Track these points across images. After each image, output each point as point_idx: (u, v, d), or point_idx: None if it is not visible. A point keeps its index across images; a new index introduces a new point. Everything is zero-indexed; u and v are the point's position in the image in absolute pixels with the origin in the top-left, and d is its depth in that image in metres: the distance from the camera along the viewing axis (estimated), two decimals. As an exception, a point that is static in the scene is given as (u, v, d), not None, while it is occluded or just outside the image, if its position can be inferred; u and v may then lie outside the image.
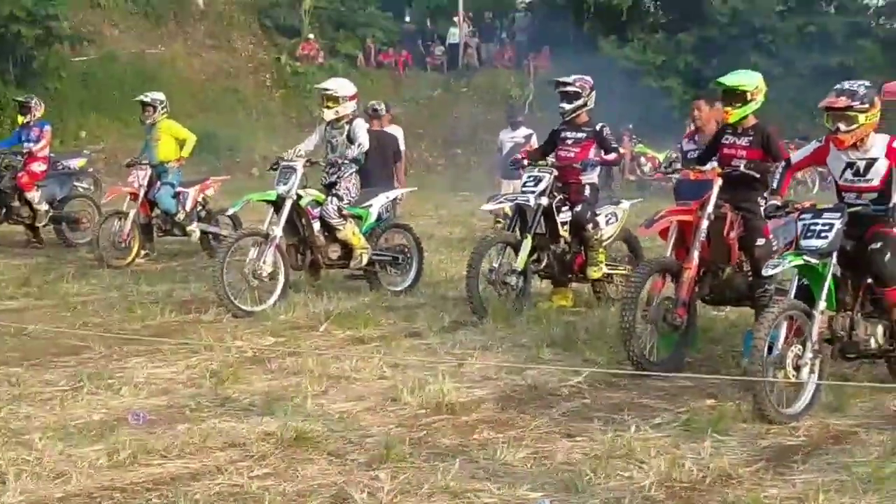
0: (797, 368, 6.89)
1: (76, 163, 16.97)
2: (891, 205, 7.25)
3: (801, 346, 6.91)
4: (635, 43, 34.13)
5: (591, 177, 10.64)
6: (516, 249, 10.23)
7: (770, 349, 6.82)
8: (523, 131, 17.17)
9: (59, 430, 6.52)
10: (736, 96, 8.57)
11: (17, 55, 27.50)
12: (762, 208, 8.11)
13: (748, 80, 8.67)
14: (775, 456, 6.23)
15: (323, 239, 11.15)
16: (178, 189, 14.20)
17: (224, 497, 5.48)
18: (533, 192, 10.26)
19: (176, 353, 8.70)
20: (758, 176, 8.41)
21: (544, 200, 10.23)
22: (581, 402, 7.43)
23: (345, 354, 8.58)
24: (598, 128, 10.54)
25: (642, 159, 27.18)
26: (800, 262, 6.99)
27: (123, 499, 5.46)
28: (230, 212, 12.94)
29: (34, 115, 15.78)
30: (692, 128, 10.68)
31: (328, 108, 11.45)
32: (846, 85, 7.37)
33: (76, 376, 7.90)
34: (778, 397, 6.87)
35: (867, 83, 7.45)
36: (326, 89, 11.59)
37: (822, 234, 7.01)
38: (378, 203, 11.79)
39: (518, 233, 10.37)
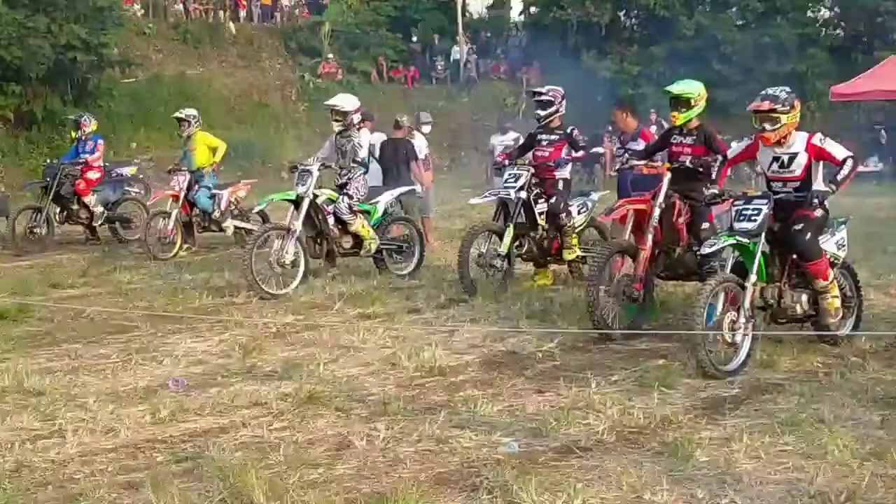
0: (733, 331, 7.13)
1: (127, 170, 17.11)
2: (811, 192, 7.47)
3: (735, 313, 7.15)
4: (613, 55, 34.12)
5: (564, 173, 10.78)
6: (501, 237, 10.42)
7: (709, 316, 7.06)
8: (512, 135, 17.34)
9: (110, 395, 6.79)
10: (681, 102, 8.78)
11: (74, 78, 27.56)
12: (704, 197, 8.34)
13: (692, 88, 8.86)
14: (711, 405, 6.44)
15: (337, 231, 11.37)
16: (214, 191, 14.42)
17: (247, 446, 5.73)
18: (514, 188, 10.43)
19: (211, 329, 8.92)
20: (701, 169, 8.63)
21: (523, 194, 10.41)
22: (552, 364, 7.62)
23: (354, 328, 8.79)
24: (568, 130, 10.70)
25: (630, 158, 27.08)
26: (732, 241, 7.24)
27: (164, 449, 5.71)
28: (257, 209, 13.14)
29: (85, 131, 15.94)
30: (618, 133, 11.06)
31: (336, 121, 11.60)
32: (770, 91, 7.60)
33: (126, 350, 8.15)
34: (717, 356, 7.10)
35: (788, 89, 7.66)
36: (334, 105, 11.76)
37: (752, 218, 7.25)
38: (384, 200, 11.99)
39: (502, 222, 10.57)
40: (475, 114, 33.77)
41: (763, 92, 7.65)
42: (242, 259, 10.59)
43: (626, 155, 10.48)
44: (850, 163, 7.47)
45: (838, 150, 7.53)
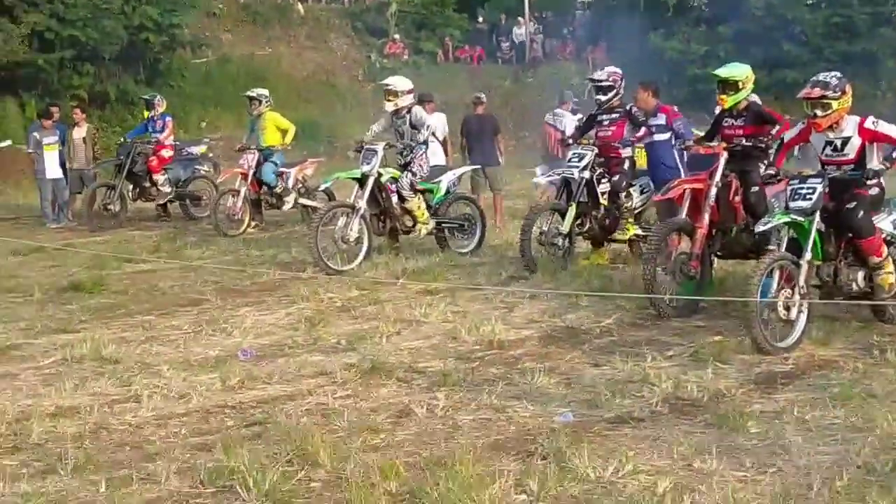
0: (787, 309, 7.22)
1: (198, 149, 17.50)
2: (866, 170, 7.53)
3: (790, 290, 7.23)
4: (680, 35, 33.86)
5: (628, 152, 10.89)
6: (563, 215, 10.54)
7: (764, 293, 7.15)
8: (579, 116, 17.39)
9: (182, 363, 7.08)
10: (729, 85, 8.84)
11: (146, 59, 28.02)
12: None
13: (739, 71, 8.91)
14: (765, 380, 6.55)
15: (399, 210, 11.59)
16: (281, 169, 14.71)
17: (313, 412, 5.98)
18: (577, 167, 10.54)
19: (278, 303, 9.20)
20: (759, 148, 8.70)
21: (587, 174, 10.52)
22: (609, 339, 7.76)
23: (416, 303, 9.00)
24: (627, 107, 10.79)
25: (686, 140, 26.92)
26: (787, 219, 7.32)
27: (234, 414, 5.98)
28: (323, 187, 13.38)
29: (157, 110, 16.41)
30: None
31: (389, 101, 11.74)
32: (820, 77, 7.65)
33: (197, 322, 8.45)
34: (772, 333, 7.20)
35: (838, 74, 7.69)
36: (388, 85, 11.94)
37: (807, 196, 7.32)
38: (446, 179, 12.16)
39: (565, 201, 10.70)
40: (540, 94, 33.71)
41: (814, 78, 7.71)
42: (308, 236, 10.82)
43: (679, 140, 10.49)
44: None
45: (893, 130, 7.56)
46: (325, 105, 31.61)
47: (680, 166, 10.50)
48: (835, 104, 7.48)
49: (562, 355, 7.26)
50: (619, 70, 11.07)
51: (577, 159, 10.63)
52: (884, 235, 7.73)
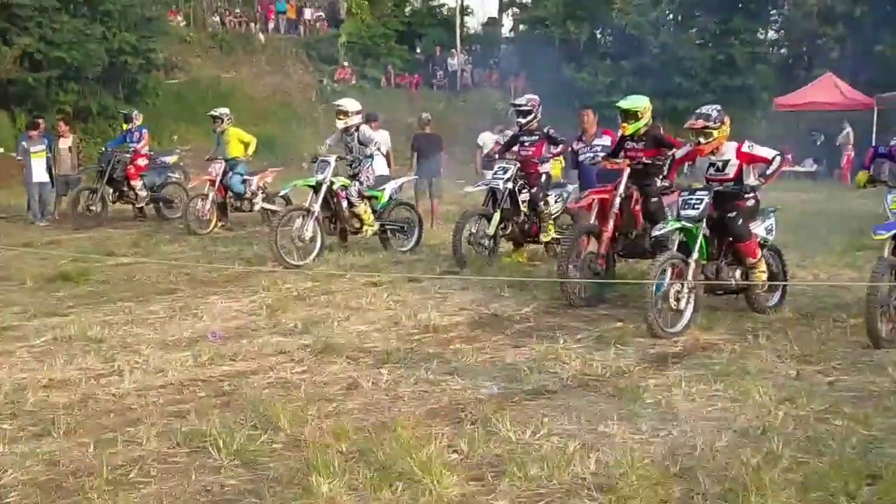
0: (677, 300, 7.41)
1: (170, 159, 17.33)
2: (744, 185, 7.75)
3: (680, 285, 7.42)
4: (589, 68, 34.23)
5: (545, 168, 10.97)
6: (489, 220, 10.64)
7: (658, 287, 7.33)
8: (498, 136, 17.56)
9: (159, 343, 7.04)
10: (630, 115, 9.01)
11: (124, 79, 27.64)
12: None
13: (640, 103, 9.10)
14: (658, 359, 6.70)
15: (348, 213, 11.62)
16: (245, 177, 14.63)
17: (274, 384, 5.99)
18: (502, 179, 10.64)
19: (242, 292, 9.16)
20: (654, 167, 8.88)
21: (510, 185, 10.63)
22: (527, 325, 7.86)
23: (362, 293, 9.05)
24: (545, 130, 10.89)
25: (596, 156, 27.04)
26: (678, 225, 7.51)
27: (205, 386, 5.96)
28: (282, 193, 13.35)
29: (135, 123, 16.22)
30: (579, 132, 11.21)
31: (339, 119, 11.75)
32: (703, 109, 7.87)
33: (171, 308, 8.39)
34: (664, 320, 7.37)
35: (718, 107, 7.92)
36: (339, 105, 11.95)
37: (696, 206, 7.52)
38: (389, 187, 12.18)
39: (491, 207, 10.79)
40: (469, 116, 33.84)
41: (697, 111, 7.93)
42: (269, 235, 10.79)
43: (593, 153, 10.67)
44: (777, 160, 7.73)
45: (766, 151, 7.80)
46: (282, 122, 31.43)
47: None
48: (715, 133, 7.71)
49: (487, 337, 7.35)
50: (537, 97, 11.20)
51: (501, 172, 10.71)
52: (758, 240, 7.97)
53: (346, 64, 36.05)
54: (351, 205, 11.54)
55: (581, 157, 11.25)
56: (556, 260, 8.96)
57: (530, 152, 10.89)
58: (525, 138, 10.96)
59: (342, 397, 5.73)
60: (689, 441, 4.90)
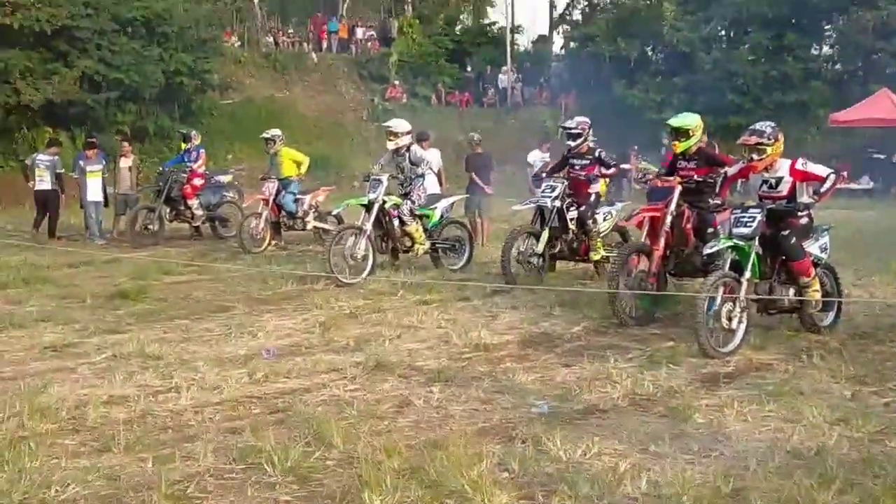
0: (729, 319, 7.36)
1: (225, 178, 17.57)
2: (797, 202, 7.70)
3: (732, 304, 7.37)
4: (640, 85, 34.06)
5: (595, 188, 10.98)
6: (538, 238, 10.67)
7: (710, 306, 7.29)
8: (548, 155, 17.60)
9: (215, 360, 7.15)
10: (681, 133, 8.95)
11: (180, 100, 28.21)
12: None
13: (690, 121, 9.02)
14: (710, 379, 6.66)
15: (400, 232, 11.71)
16: (298, 196, 14.80)
17: (327, 402, 6.05)
18: (550, 197, 10.67)
19: (296, 310, 9.27)
20: (707, 185, 8.83)
21: (558, 203, 10.64)
22: (578, 343, 7.86)
23: (413, 311, 9.09)
24: (597, 154, 10.86)
25: (647, 174, 26.85)
26: (730, 243, 7.47)
27: (260, 403, 6.05)
28: (335, 212, 13.48)
29: (193, 143, 16.48)
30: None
31: (390, 140, 11.86)
32: (757, 126, 7.81)
33: (227, 325, 8.51)
34: (716, 339, 7.33)
35: (772, 124, 7.87)
36: (389, 127, 12.04)
37: (748, 224, 7.48)
38: (441, 206, 12.26)
39: (539, 226, 10.81)
40: (519, 134, 33.88)
41: (751, 127, 7.89)
42: (322, 253, 10.89)
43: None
44: (831, 178, 7.65)
45: (820, 169, 7.73)
46: (334, 141, 31.75)
47: None
48: (769, 149, 7.66)
49: (538, 356, 7.36)
50: (587, 119, 11.21)
51: (549, 190, 10.74)
52: (812, 258, 7.90)
53: (396, 83, 36.35)
54: (402, 223, 11.63)
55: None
56: (607, 278, 8.93)
57: (581, 176, 10.89)
58: (576, 161, 10.96)
59: (394, 415, 5.79)
60: (742, 462, 4.87)
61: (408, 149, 11.88)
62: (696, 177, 8.88)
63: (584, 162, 10.90)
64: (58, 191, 16.34)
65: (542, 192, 10.80)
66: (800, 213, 7.71)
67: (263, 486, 4.62)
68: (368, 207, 11.32)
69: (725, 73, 32.43)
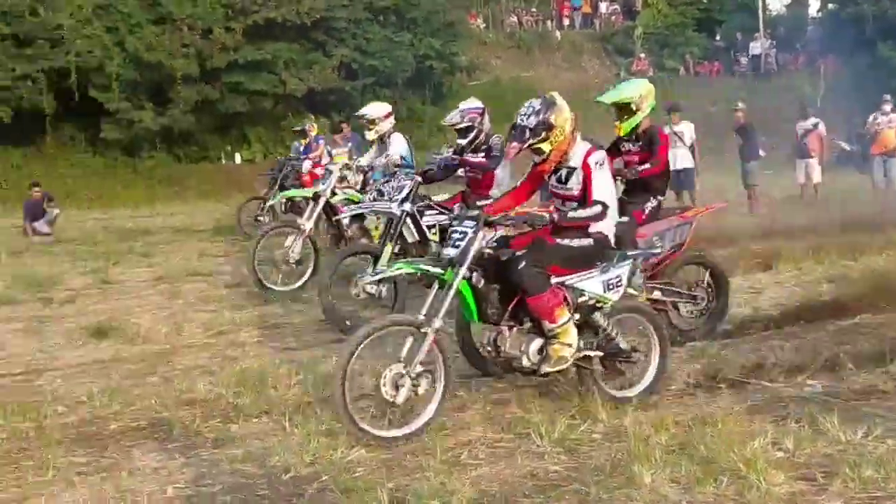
0: (396, 388, 4.99)
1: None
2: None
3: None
4: (908, 46, 31.69)
5: None
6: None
7: None
8: (812, 120, 16.78)
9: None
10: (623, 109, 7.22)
11: (430, 82, 29.13)
12: None
13: (629, 91, 7.26)
14: None
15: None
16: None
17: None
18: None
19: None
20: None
21: None
22: (852, 322, 7.43)
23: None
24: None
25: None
26: (409, 269, 5.65)
27: (521, 376, 6.15)
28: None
29: (311, 135, 15.35)
30: None
31: (369, 129, 9.98)
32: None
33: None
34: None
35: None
36: (363, 115, 10.07)
37: (457, 243, 5.31)
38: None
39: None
40: (774, 102, 32.39)
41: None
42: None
43: None
44: (594, 209, 5.49)
45: (601, 184, 5.63)
46: (580, 119, 31.60)
47: None
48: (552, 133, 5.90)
49: (806, 333, 7.05)
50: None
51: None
52: (574, 296, 5.49)
53: (642, 55, 35.73)
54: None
55: None
56: None
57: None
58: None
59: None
60: None
61: (390, 135, 9.88)
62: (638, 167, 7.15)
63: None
64: None
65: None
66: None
67: (532, 455, 4.73)
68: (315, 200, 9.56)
69: None
